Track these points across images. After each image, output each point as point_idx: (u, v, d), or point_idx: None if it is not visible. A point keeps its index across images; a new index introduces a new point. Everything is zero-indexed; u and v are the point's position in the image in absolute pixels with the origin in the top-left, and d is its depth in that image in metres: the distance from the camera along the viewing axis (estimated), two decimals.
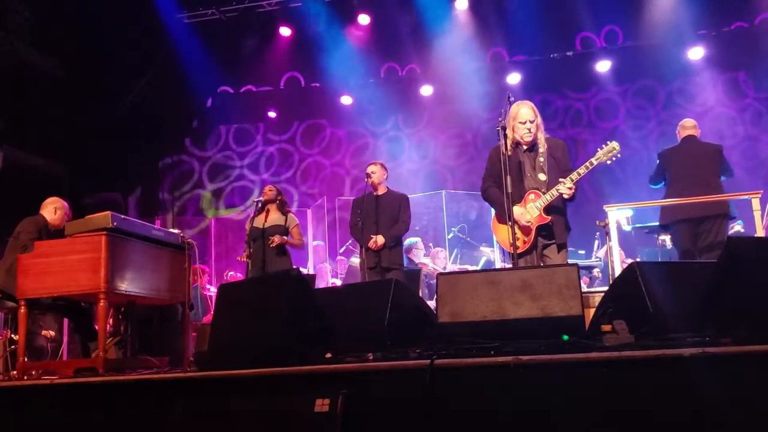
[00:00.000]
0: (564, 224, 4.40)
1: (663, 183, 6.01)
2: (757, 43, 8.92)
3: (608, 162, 4.31)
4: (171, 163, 11.18)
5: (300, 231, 6.44)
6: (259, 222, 6.24)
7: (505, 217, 4.14)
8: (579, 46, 9.56)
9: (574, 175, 4.22)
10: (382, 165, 6.24)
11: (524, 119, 4.35)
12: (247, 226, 6.30)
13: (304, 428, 2.51)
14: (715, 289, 2.81)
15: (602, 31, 9.54)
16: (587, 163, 4.26)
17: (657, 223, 6.12)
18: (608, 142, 4.33)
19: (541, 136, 4.43)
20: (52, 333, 6.58)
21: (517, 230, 4.22)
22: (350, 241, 8.71)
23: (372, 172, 6.09)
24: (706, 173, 5.73)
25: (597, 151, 4.33)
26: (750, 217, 5.35)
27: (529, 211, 4.33)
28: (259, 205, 6.33)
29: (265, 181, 10.25)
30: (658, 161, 6.10)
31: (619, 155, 4.30)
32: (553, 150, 4.44)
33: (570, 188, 4.20)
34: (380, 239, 5.87)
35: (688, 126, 6.05)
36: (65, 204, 5.60)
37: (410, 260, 7.94)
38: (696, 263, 4.86)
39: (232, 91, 10.58)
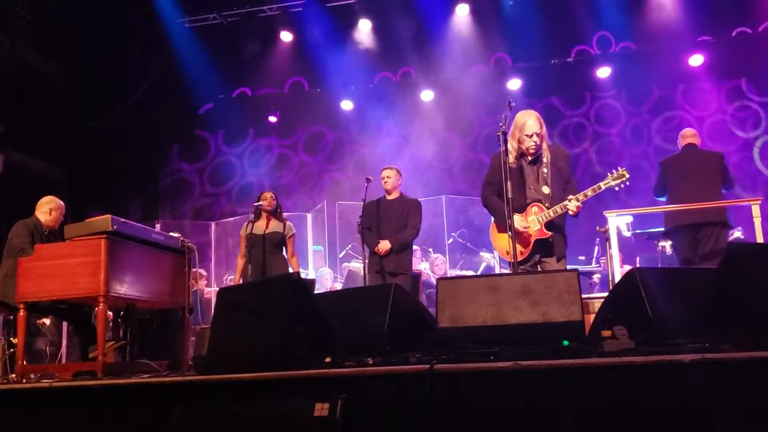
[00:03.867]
0: (563, 241, 4.39)
1: (666, 194, 6.00)
2: (760, 49, 8.94)
3: (616, 188, 4.30)
4: (172, 166, 11.18)
5: (294, 243, 6.31)
6: (258, 228, 6.11)
7: (504, 225, 4.08)
8: (582, 51, 9.57)
9: (581, 196, 4.20)
10: (398, 170, 6.18)
11: (531, 132, 4.28)
12: (244, 233, 6.12)
13: None
14: (715, 296, 2.81)
15: (603, 38, 9.55)
16: (595, 186, 4.25)
17: (656, 229, 6.12)
18: (619, 168, 4.33)
19: (545, 146, 4.40)
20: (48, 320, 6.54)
21: None
22: (350, 246, 8.69)
23: (387, 177, 6.04)
24: (706, 181, 5.74)
25: (607, 176, 4.31)
26: (750, 224, 5.35)
27: (530, 222, 4.30)
28: (258, 210, 6.22)
29: (265, 186, 10.20)
30: (659, 171, 6.10)
31: (627, 183, 4.29)
32: (556, 159, 4.40)
33: (578, 207, 4.19)
34: (386, 244, 5.79)
35: (688, 135, 6.08)
36: (61, 204, 5.47)
37: None
38: (696, 269, 4.87)
39: (233, 95, 10.59)
